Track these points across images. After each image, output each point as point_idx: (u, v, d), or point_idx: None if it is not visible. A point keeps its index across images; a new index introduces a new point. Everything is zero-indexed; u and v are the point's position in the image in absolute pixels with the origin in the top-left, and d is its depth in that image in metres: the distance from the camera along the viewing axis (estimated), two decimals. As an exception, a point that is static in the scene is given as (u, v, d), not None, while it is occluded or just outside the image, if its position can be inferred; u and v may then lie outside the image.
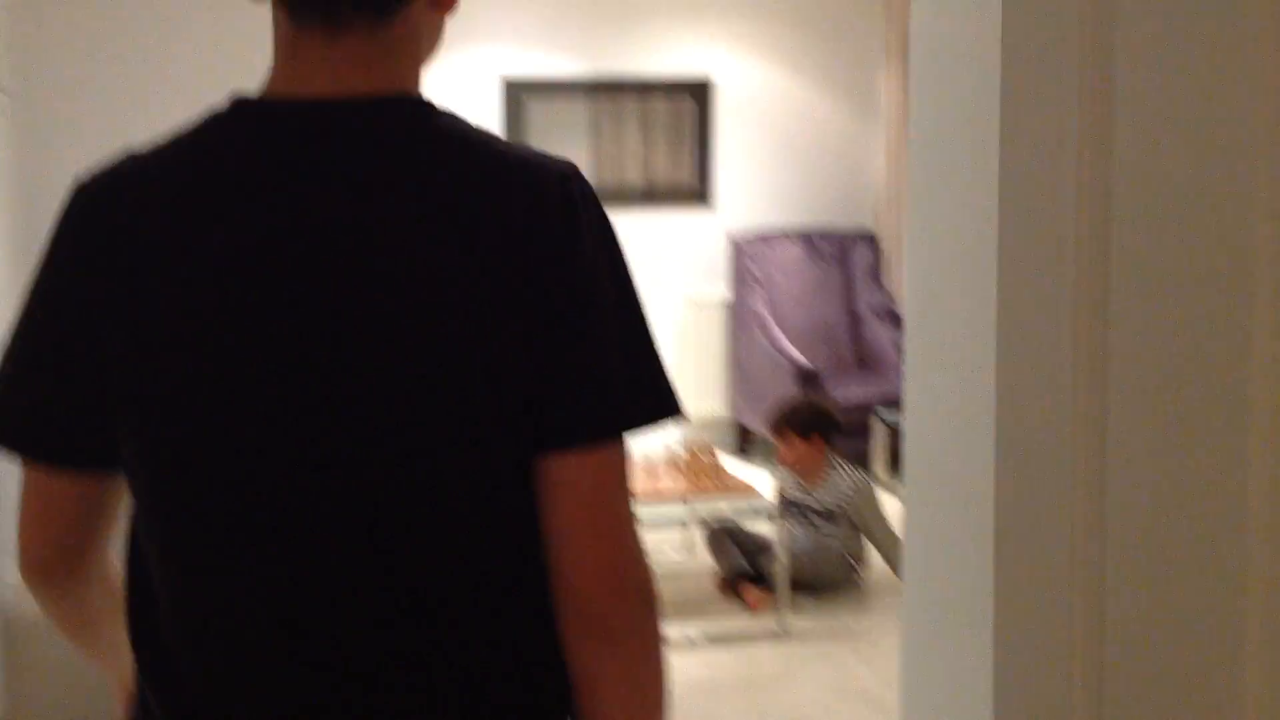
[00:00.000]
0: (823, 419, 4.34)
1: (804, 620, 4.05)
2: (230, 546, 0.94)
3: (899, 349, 5.93)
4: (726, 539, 4.29)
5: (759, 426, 5.60)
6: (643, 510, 3.91)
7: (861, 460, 5.24)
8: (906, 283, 0.97)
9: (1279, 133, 0.70)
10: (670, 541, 4.63)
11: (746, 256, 6.05)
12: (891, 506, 4.68)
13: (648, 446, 4.35)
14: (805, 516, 4.29)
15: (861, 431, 5.42)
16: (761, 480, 4.24)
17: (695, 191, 6.22)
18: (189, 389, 0.91)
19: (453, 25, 1.04)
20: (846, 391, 5.53)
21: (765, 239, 6.13)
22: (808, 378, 5.44)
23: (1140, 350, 0.77)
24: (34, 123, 5.09)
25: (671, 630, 3.80)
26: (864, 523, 4.26)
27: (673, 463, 4.30)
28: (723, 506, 4.14)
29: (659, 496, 4.03)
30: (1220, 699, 0.75)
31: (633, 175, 6.10)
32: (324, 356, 0.91)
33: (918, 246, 0.94)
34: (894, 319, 6.10)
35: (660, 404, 0.96)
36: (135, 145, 0.98)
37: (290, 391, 0.91)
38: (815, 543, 4.24)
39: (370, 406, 0.91)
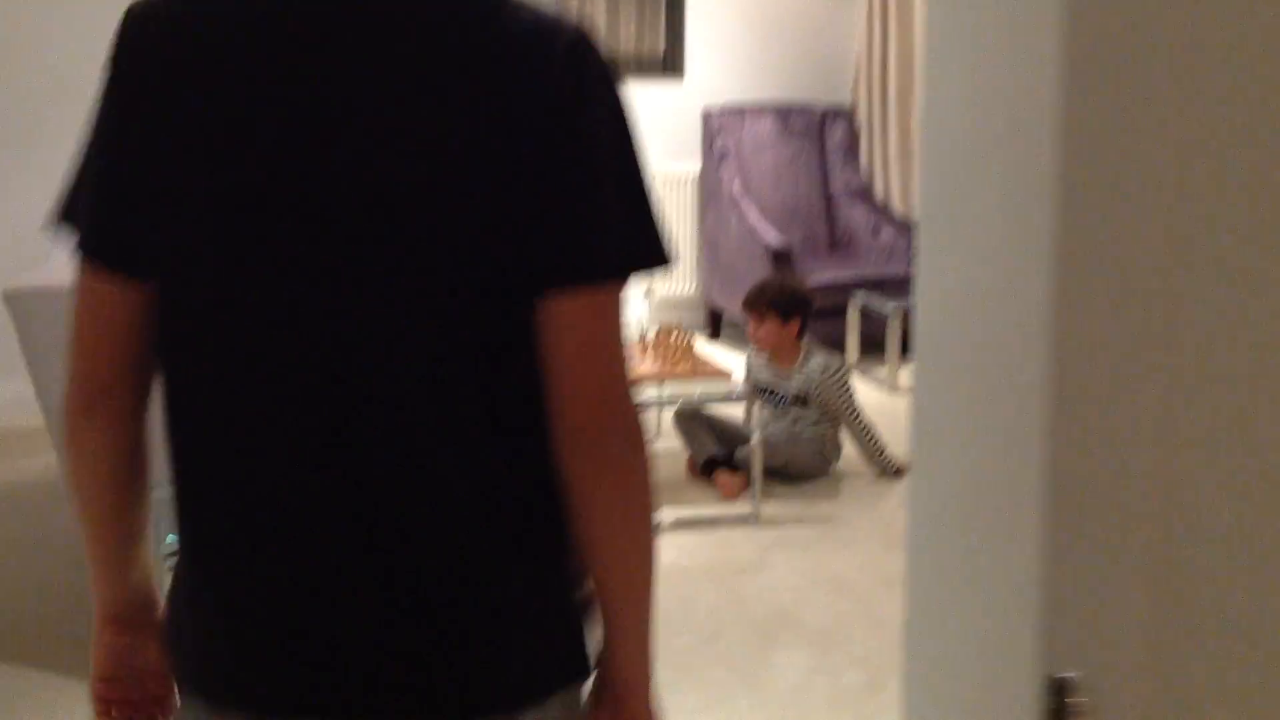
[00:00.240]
0: (801, 300, 4.22)
1: (776, 506, 3.98)
2: (253, 352, 1.02)
3: (873, 230, 5.80)
4: (697, 423, 4.19)
5: (731, 307, 5.48)
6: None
7: (835, 344, 5.14)
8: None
9: None
10: (639, 424, 4.53)
11: (718, 130, 5.85)
12: (864, 391, 4.61)
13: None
14: (777, 402, 4.19)
15: (835, 315, 5.31)
16: (734, 363, 4.13)
17: (665, 62, 5.98)
18: (221, 204, 1.00)
19: None
20: (820, 273, 5.40)
21: (739, 112, 5.92)
22: (780, 258, 5.30)
23: None
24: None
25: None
26: (836, 408, 4.17)
27: (644, 344, 4.18)
28: (695, 390, 4.03)
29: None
30: None
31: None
32: (340, 185, 0.99)
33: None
34: (868, 199, 5.95)
35: (652, 252, 1.04)
36: None
37: (308, 211, 0.99)
38: (787, 430, 4.16)
39: (384, 231, 0.99)
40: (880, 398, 5.02)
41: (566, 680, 1.09)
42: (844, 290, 5.36)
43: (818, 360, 4.20)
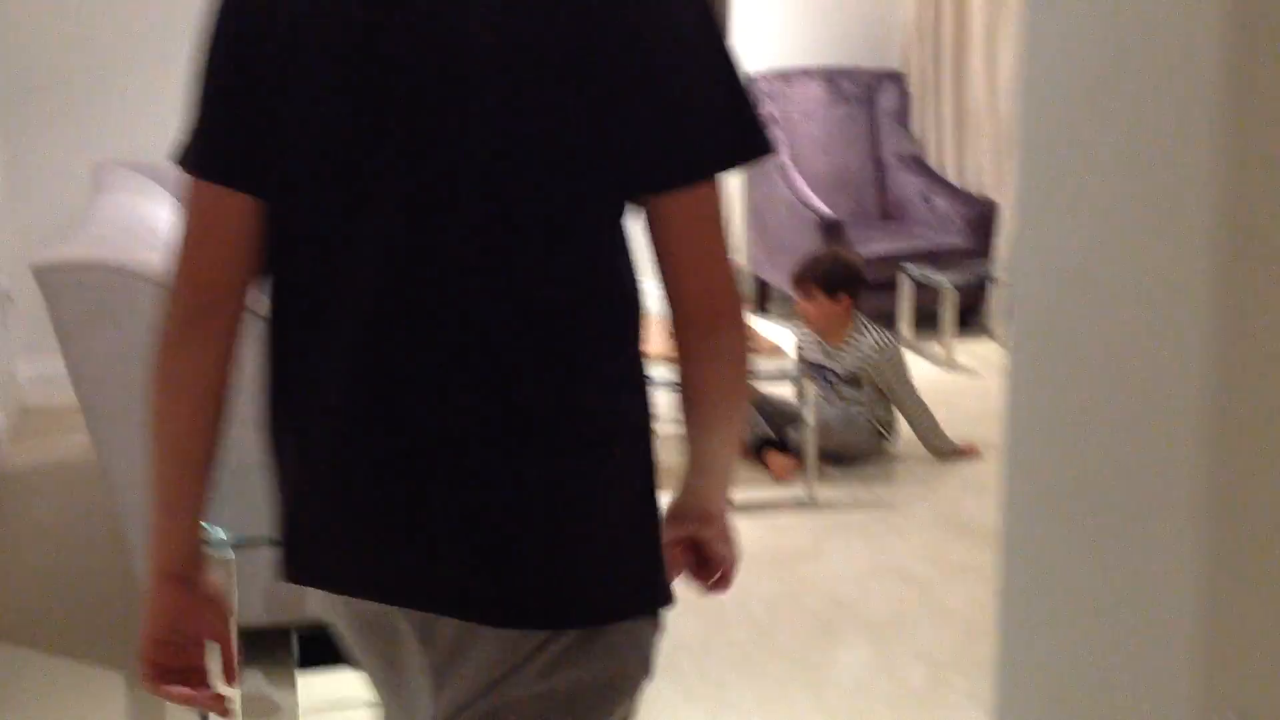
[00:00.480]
0: (851, 275, 4.06)
1: (832, 490, 3.83)
2: (367, 256, 1.07)
3: (926, 199, 5.62)
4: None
5: (780, 281, 5.32)
6: (657, 370, 3.62)
7: (886, 320, 4.97)
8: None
9: None
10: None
11: (765, 95, 5.66)
12: (918, 369, 4.45)
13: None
14: (827, 382, 4.04)
15: (886, 288, 5.13)
16: (786, 340, 3.98)
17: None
18: (327, 128, 1.07)
19: None
20: (871, 245, 5.22)
21: (785, 77, 5.74)
22: (831, 229, 5.13)
23: None
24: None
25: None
26: (889, 387, 4.02)
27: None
28: (746, 367, 3.88)
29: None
30: None
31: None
32: (446, 99, 1.04)
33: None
34: (921, 167, 5.76)
35: (756, 143, 1.10)
36: None
37: (416, 126, 1.05)
38: (842, 411, 4.00)
39: (493, 145, 1.04)
40: (935, 375, 4.86)
41: (649, 606, 1.15)
42: (895, 262, 5.18)
43: (870, 338, 4.04)
